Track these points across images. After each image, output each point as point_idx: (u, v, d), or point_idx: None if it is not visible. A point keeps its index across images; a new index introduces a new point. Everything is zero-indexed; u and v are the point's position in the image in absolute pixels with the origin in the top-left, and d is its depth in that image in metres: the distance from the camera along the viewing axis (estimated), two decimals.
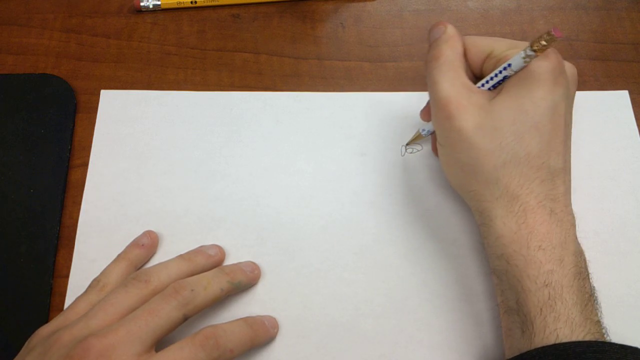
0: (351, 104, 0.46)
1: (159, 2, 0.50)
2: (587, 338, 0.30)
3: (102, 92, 0.46)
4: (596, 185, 0.43)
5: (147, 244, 0.40)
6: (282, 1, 0.51)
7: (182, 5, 0.50)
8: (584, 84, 0.47)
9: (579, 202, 0.41)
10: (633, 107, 0.45)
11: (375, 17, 0.50)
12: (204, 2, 0.50)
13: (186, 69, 0.48)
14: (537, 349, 0.30)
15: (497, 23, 0.50)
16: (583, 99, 0.46)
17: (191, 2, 0.50)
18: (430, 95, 0.36)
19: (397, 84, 0.47)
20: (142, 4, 0.50)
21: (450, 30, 0.37)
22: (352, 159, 0.44)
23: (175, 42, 0.49)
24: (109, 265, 0.38)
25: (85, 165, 0.44)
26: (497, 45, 0.36)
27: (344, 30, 0.50)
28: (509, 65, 0.34)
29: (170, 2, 0.50)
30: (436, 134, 0.37)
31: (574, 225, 0.34)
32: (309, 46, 0.49)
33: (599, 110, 0.45)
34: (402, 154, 0.44)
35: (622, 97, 0.46)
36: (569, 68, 0.36)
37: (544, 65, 0.33)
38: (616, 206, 0.42)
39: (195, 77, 0.47)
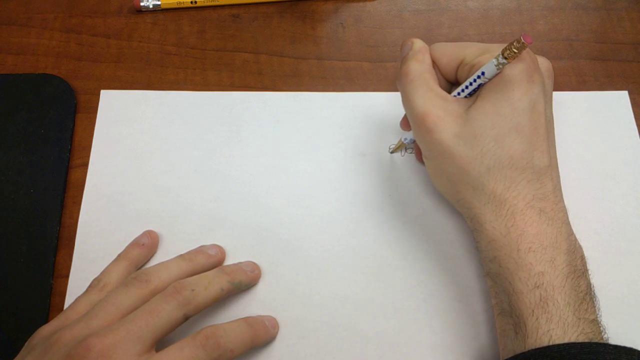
0: (351, 104, 0.46)
1: (159, 2, 0.50)
2: (581, 338, 0.30)
3: (102, 92, 0.46)
4: (596, 185, 0.43)
5: (148, 243, 0.40)
6: (282, 1, 0.51)
7: (182, 5, 0.50)
8: (584, 84, 0.47)
9: (579, 202, 0.41)
10: (633, 107, 0.45)
11: (375, 17, 0.50)
12: (204, 2, 0.50)
13: (186, 69, 0.48)
14: (530, 351, 0.30)
15: (497, 23, 0.50)
16: (583, 99, 0.46)
17: (191, 2, 0.50)
18: (407, 112, 0.37)
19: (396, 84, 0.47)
20: (142, 4, 0.50)
21: (417, 44, 0.37)
22: (352, 159, 0.44)
23: (175, 42, 0.49)
24: (109, 265, 0.38)
25: (85, 165, 0.44)
26: (468, 52, 0.36)
27: (344, 30, 0.50)
28: (483, 73, 0.34)
29: (170, 2, 0.50)
30: (420, 147, 0.37)
31: (566, 222, 0.34)
32: (309, 46, 0.49)
33: (599, 110, 0.45)
34: (402, 154, 0.44)
35: (622, 97, 0.46)
36: (543, 62, 0.36)
37: (518, 66, 0.33)
38: (616, 206, 0.42)
39: (195, 77, 0.47)
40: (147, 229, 0.41)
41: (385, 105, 0.46)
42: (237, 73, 0.48)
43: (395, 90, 0.47)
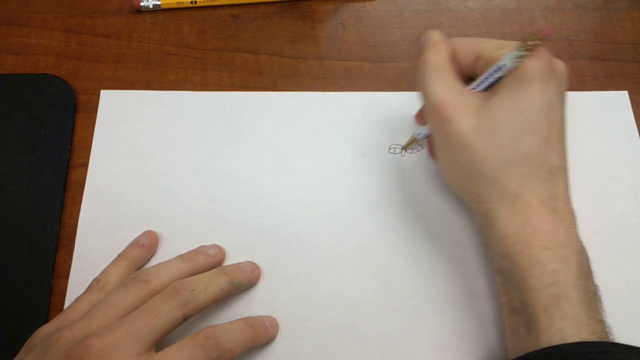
0: (351, 104, 0.46)
1: (159, 2, 0.50)
2: (592, 337, 0.30)
3: (102, 92, 0.46)
4: (596, 185, 0.43)
5: (147, 243, 0.40)
6: (282, 1, 0.51)
7: (182, 5, 0.50)
8: (584, 84, 0.47)
9: (579, 202, 0.41)
10: (633, 107, 0.45)
11: (375, 17, 0.50)
12: (204, 2, 0.50)
13: (186, 69, 0.48)
14: (541, 350, 0.30)
15: (497, 23, 0.50)
16: (583, 99, 0.46)
17: (191, 2, 0.50)
18: (424, 100, 0.37)
19: (397, 84, 0.47)
20: (142, 4, 0.50)
21: (437, 36, 0.37)
22: (352, 159, 0.44)
23: (175, 42, 0.49)
24: (109, 265, 0.38)
25: (85, 165, 0.44)
26: (486, 46, 0.36)
27: (344, 30, 0.50)
28: (502, 66, 0.34)
29: (170, 2, 0.50)
30: (434, 138, 0.37)
31: (575, 223, 0.34)
32: (309, 46, 0.49)
33: (599, 110, 0.45)
34: (402, 154, 0.44)
35: (622, 97, 0.46)
36: (558, 65, 0.37)
37: (536, 64, 0.33)
38: (616, 206, 0.42)
39: (195, 77, 0.47)
40: (147, 229, 0.41)
41: (385, 105, 0.46)
42: (237, 73, 0.48)
43: (396, 90, 0.47)
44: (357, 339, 0.38)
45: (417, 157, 0.44)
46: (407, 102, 0.46)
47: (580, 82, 0.47)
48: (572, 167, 0.42)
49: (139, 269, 0.39)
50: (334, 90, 0.47)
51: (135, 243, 0.40)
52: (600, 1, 0.51)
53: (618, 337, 0.33)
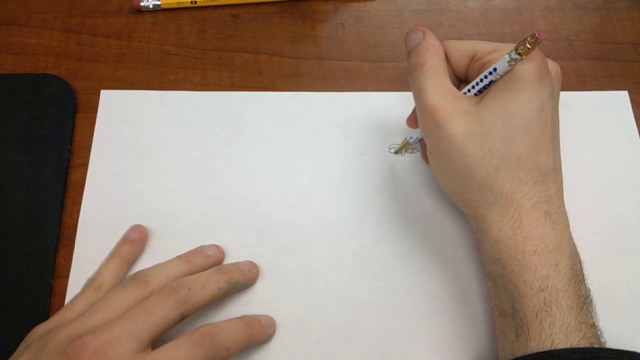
0: (351, 104, 0.46)
1: (159, 2, 0.50)
2: (582, 343, 0.30)
3: (102, 92, 0.46)
4: (596, 185, 0.43)
5: (137, 238, 0.40)
6: (282, 1, 0.51)
7: (182, 5, 0.50)
8: (584, 84, 0.47)
9: (579, 202, 0.41)
10: (633, 107, 0.45)
11: (375, 17, 0.50)
12: (204, 2, 0.50)
13: (186, 69, 0.48)
14: (530, 355, 0.30)
15: (497, 23, 0.50)
16: (583, 99, 0.46)
17: (191, 2, 0.50)
18: (417, 103, 0.36)
19: (397, 84, 0.47)
20: (142, 4, 0.50)
21: (430, 36, 0.37)
22: (352, 159, 0.44)
23: (175, 42, 0.49)
24: (102, 265, 0.38)
25: (85, 165, 0.44)
26: (480, 48, 0.36)
27: (344, 30, 0.50)
28: (495, 69, 0.34)
29: (170, 2, 0.50)
30: (426, 142, 0.37)
31: (568, 226, 0.34)
32: (309, 46, 0.49)
33: (599, 110, 0.45)
34: (402, 154, 0.44)
35: (622, 97, 0.46)
36: (552, 66, 0.36)
37: (529, 67, 0.33)
38: (616, 206, 0.42)
39: (195, 77, 0.47)
40: (147, 229, 0.41)
41: (385, 105, 0.46)
42: (237, 73, 0.48)
43: (396, 90, 0.47)
44: (357, 339, 0.38)
45: (417, 157, 0.44)
46: (407, 102, 0.46)
47: (580, 82, 0.47)
48: (572, 167, 0.42)
49: (132, 264, 0.39)
50: (334, 90, 0.47)
51: (125, 239, 0.40)
52: (600, 1, 0.51)
53: (617, 337, 0.33)
